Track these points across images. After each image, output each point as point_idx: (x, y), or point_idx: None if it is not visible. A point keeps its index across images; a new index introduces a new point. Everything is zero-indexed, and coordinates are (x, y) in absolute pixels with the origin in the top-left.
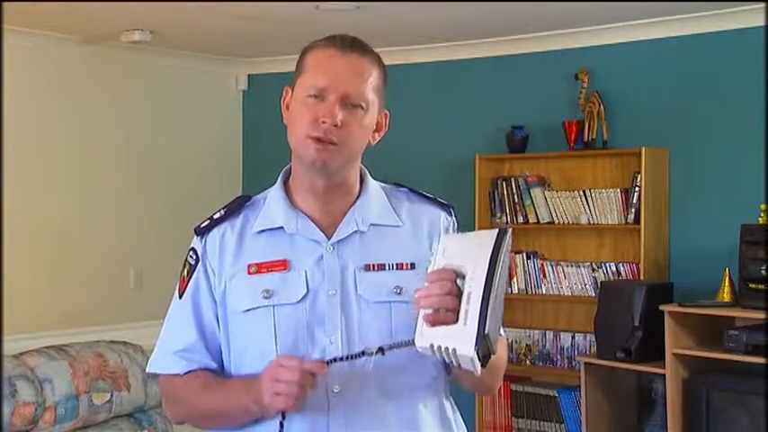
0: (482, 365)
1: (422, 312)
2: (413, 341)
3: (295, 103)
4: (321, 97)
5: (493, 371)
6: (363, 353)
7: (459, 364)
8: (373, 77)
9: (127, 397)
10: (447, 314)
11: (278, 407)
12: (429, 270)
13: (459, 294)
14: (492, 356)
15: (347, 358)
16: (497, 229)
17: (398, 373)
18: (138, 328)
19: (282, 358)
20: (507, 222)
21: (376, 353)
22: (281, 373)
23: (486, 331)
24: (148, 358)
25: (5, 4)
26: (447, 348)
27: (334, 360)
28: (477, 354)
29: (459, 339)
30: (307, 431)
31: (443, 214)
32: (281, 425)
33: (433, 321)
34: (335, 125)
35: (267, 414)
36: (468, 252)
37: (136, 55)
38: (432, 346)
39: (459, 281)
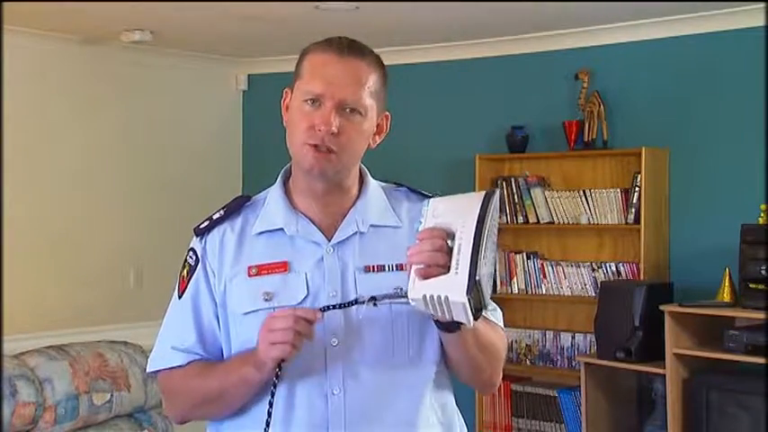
0: (474, 318)
1: (414, 267)
2: (405, 293)
3: (293, 107)
4: (318, 103)
5: (489, 355)
6: (356, 300)
7: (453, 317)
8: (371, 81)
9: (127, 397)
10: (438, 269)
11: (274, 355)
12: (419, 230)
13: (449, 252)
14: (483, 311)
15: (341, 306)
16: (485, 191)
17: (399, 365)
18: (138, 327)
19: (276, 311)
20: (506, 222)
21: (368, 301)
22: (276, 323)
23: (477, 277)
24: (149, 358)
25: (5, 4)
26: (440, 297)
27: (328, 308)
28: (470, 301)
29: (452, 287)
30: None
31: None
32: (274, 384)
33: (425, 275)
34: (332, 133)
35: (265, 371)
36: (458, 212)
37: (136, 55)
38: (424, 296)
39: (449, 241)
